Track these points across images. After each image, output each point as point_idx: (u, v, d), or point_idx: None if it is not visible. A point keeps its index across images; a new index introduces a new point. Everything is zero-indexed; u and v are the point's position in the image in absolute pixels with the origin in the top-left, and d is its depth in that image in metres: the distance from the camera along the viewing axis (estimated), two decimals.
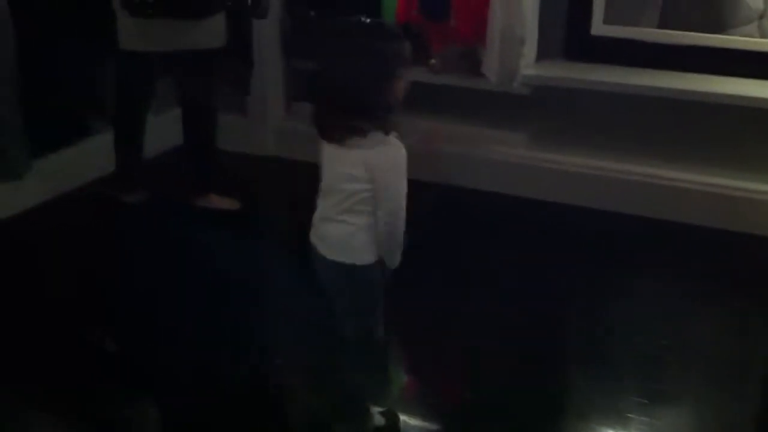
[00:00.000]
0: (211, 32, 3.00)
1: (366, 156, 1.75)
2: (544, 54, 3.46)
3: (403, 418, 2.11)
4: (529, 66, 3.38)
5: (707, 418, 2.13)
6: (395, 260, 1.87)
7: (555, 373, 2.32)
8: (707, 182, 3.12)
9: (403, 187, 1.78)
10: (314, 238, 1.92)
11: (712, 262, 2.86)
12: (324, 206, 1.89)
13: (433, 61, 3.55)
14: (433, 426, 2.14)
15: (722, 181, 3.11)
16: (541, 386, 2.27)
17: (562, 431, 2.10)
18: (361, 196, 1.79)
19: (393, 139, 1.77)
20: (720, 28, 3.29)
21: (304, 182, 3.52)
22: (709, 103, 3.11)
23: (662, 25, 3.40)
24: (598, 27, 3.41)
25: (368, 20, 1.93)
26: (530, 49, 3.37)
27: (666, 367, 2.29)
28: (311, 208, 3.29)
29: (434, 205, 3.26)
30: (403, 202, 1.79)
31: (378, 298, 1.96)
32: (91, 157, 3.44)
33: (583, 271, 2.77)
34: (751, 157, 3.16)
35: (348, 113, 1.74)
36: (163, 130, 3.53)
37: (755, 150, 3.17)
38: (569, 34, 3.51)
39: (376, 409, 2.06)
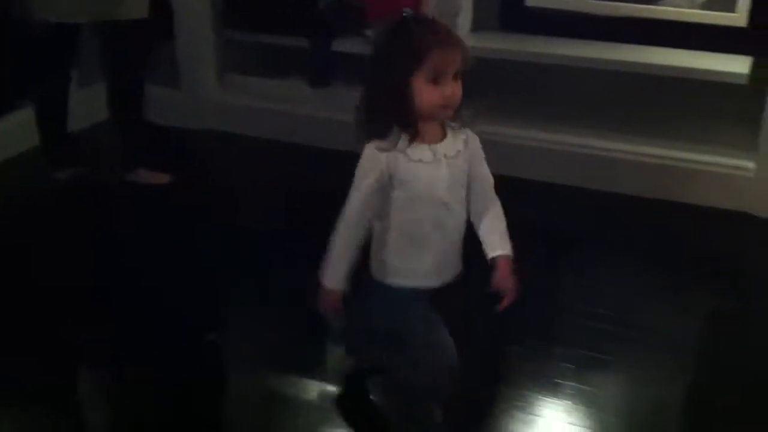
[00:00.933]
0: (134, 3, 2.91)
1: None
2: (479, 25, 3.45)
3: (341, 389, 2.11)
4: (464, 37, 3.36)
5: (637, 385, 2.16)
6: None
7: (487, 342, 2.33)
8: (644, 153, 3.15)
9: (352, 189, 1.65)
10: None
11: (651, 233, 2.90)
12: None
13: (369, 32, 3.50)
14: (374, 398, 2.11)
15: (659, 151, 3.14)
16: (473, 354, 2.27)
17: (491, 397, 2.10)
18: None
19: (369, 145, 1.64)
20: None
21: (238, 155, 3.53)
22: (643, 73, 3.15)
23: None
24: None
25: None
26: (465, 20, 3.36)
27: (601, 336, 2.31)
28: (246, 180, 3.29)
29: None
30: (347, 205, 1.65)
31: (370, 330, 1.82)
32: (14, 133, 3.33)
33: (523, 242, 2.77)
34: (685, 127, 3.21)
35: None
36: (88, 104, 3.44)
37: (688, 120, 3.22)
38: (504, 5, 3.51)
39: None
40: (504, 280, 1.69)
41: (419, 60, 1.53)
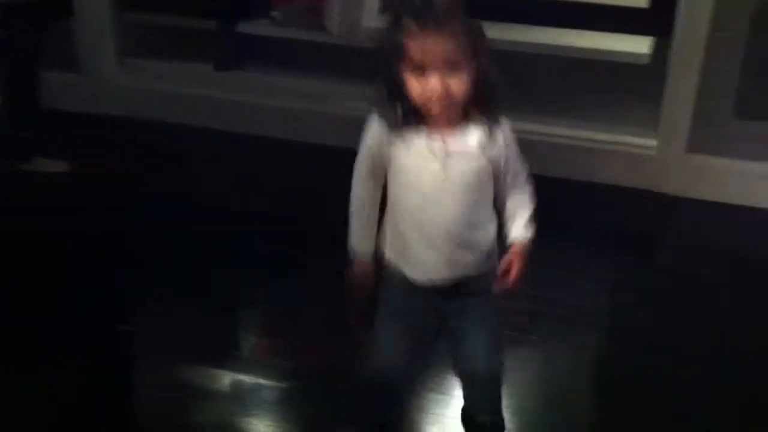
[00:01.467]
0: None
1: None
2: (388, 6, 3.43)
3: (257, 379, 2.11)
4: (372, 18, 3.34)
5: (548, 359, 2.20)
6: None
7: None
8: (549, 133, 3.18)
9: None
10: None
11: (558, 211, 2.91)
12: None
13: (274, 13, 3.44)
14: (286, 385, 2.11)
15: (564, 131, 3.18)
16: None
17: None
18: None
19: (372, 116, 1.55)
20: None
21: (138, 140, 3.42)
22: (547, 54, 3.19)
23: None
24: None
25: None
26: (372, 1, 3.33)
27: (513, 312, 2.33)
28: (149, 166, 3.19)
29: (283, 161, 3.21)
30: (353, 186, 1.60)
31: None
32: None
33: None
34: (589, 107, 3.27)
35: None
36: None
37: (592, 100, 3.28)
38: None
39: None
40: (507, 261, 1.58)
41: (401, 52, 1.43)
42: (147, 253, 2.63)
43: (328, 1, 3.30)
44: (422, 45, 1.41)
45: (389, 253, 1.61)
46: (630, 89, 3.26)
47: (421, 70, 1.42)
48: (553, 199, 2.99)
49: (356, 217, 1.62)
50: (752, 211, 2.91)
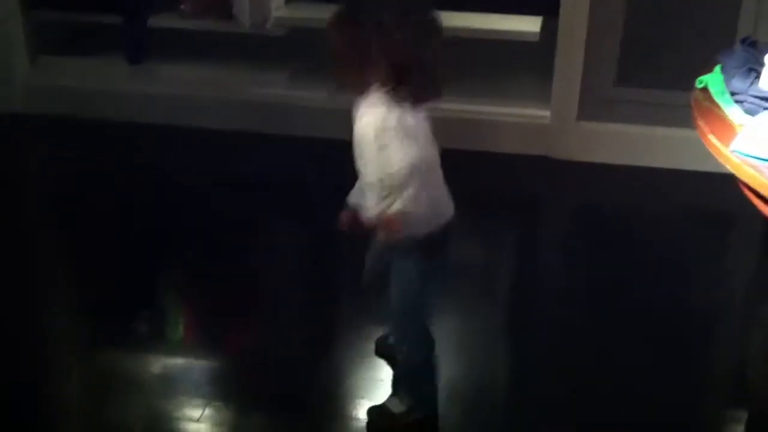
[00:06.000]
0: None
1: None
2: None
3: (187, 361, 2.19)
4: (280, 8, 3.46)
5: (450, 314, 2.33)
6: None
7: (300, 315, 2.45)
8: (451, 109, 3.31)
9: (374, 154, 1.72)
10: None
11: (461, 180, 3.10)
12: None
13: (183, 6, 3.52)
14: (214, 367, 2.20)
15: (463, 107, 3.32)
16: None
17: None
18: None
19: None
20: None
21: (55, 138, 3.42)
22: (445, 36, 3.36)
23: None
24: None
25: None
26: None
27: None
28: (65, 164, 3.20)
29: (197, 150, 3.30)
30: (387, 169, 1.72)
31: (409, 296, 1.83)
32: None
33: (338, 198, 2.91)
34: (486, 84, 3.47)
35: None
36: None
37: (488, 77, 3.49)
38: None
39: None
40: None
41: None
42: (60, 244, 2.70)
43: None
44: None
45: None
46: (523, 65, 3.49)
47: None
48: (458, 170, 3.17)
49: None
50: (637, 169, 3.16)
